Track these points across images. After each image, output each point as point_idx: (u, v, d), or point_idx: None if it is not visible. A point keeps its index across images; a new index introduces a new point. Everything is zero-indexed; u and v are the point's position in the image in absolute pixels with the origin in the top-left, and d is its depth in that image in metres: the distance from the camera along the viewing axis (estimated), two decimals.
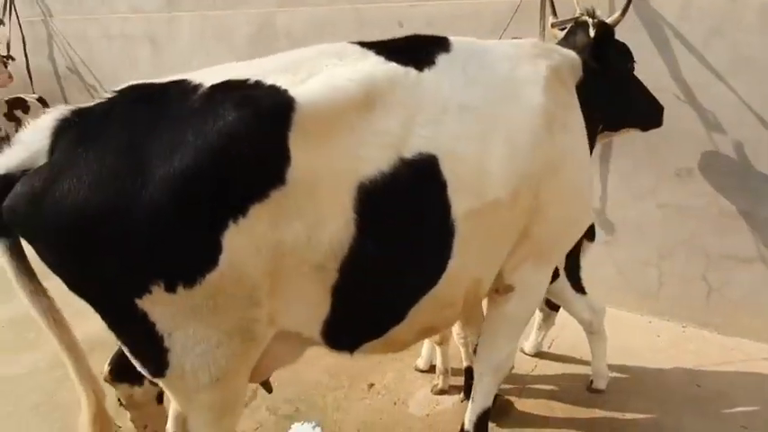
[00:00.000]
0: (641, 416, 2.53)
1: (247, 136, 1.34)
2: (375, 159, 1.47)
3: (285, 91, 1.41)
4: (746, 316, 2.97)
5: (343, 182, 1.44)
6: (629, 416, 2.53)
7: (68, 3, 5.30)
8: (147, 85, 1.45)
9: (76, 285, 1.40)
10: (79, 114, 1.38)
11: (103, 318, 1.45)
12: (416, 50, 1.68)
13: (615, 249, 3.25)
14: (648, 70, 2.84)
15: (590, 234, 2.60)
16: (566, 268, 2.51)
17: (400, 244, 1.53)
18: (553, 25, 2.45)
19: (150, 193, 1.29)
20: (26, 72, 5.62)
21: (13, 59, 5.38)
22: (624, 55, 2.30)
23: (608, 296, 3.25)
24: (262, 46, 4.06)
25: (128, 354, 1.51)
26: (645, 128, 2.48)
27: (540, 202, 1.78)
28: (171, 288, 1.36)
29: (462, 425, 2.24)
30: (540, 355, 2.95)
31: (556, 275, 2.47)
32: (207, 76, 1.44)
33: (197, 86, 1.41)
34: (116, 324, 1.46)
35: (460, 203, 1.59)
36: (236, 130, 1.33)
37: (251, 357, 1.54)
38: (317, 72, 1.48)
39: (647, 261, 3.17)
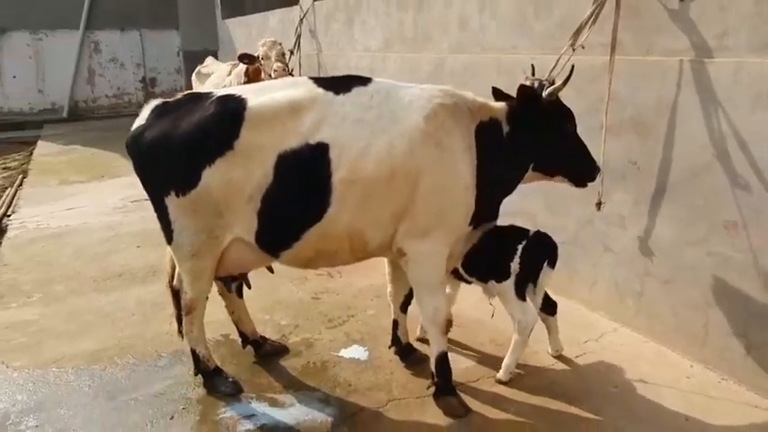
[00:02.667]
0: None
1: (218, 123, 2.68)
2: (290, 141, 2.59)
3: (246, 100, 2.72)
4: None
5: (269, 151, 2.64)
6: None
7: (330, 43, 7.20)
8: (197, 92, 2.97)
9: (144, 186, 2.92)
10: (163, 104, 2.92)
11: (153, 206, 2.94)
12: (342, 83, 2.77)
13: (672, 290, 3.43)
14: (702, 127, 3.12)
15: (552, 261, 3.20)
16: (517, 276, 3.10)
17: (298, 191, 2.62)
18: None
19: (171, 146, 2.74)
20: None
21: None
22: (564, 116, 2.88)
23: (661, 335, 3.49)
24: (435, 80, 5.16)
25: (162, 230, 2.95)
26: (576, 181, 3.02)
27: (417, 193, 2.65)
28: (176, 195, 2.76)
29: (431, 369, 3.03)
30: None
31: (506, 276, 3.12)
32: (221, 92, 2.86)
33: (211, 96, 2.82)
34: (158, 211, 2.92)
35: (339, 174, 2.59)
36: (214, 118, 2.66)
37: (214, 248, 2.90)
38: (271, 93, 2.72)
39: (697, 307, 3.29)
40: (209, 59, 9.68)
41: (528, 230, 3.23)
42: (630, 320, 3.70)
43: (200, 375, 3.24)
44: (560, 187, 3.44)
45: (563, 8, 3.93)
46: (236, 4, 11.32)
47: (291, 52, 7.74)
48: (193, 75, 9.52)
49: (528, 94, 2.84)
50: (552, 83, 2.92)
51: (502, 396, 3.11)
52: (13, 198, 7.68)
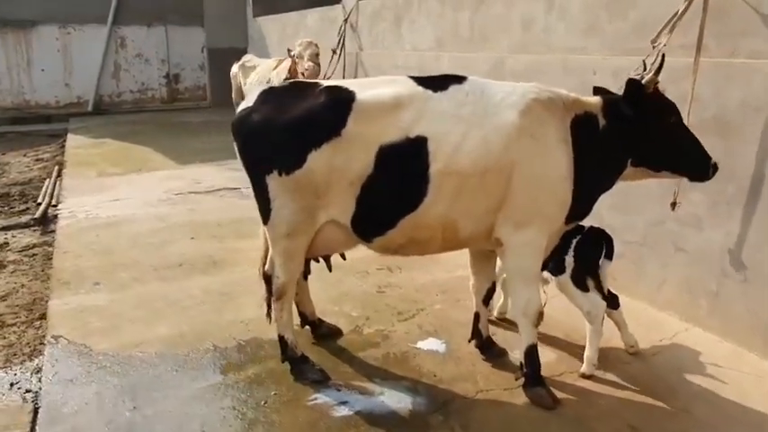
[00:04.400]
0: None
1: (329, 110, 2.79)
2: (391, 134, 2.72)
3: (355, 92, 2.82)
4: None
5: (371, 141, 2.75)
6: None
7: (375, 41, 7.26)
8: (301, 81, 3.12)
9: (246, 165, 2.99)
10: (270, 89, 3.05)
11: (252, 184, 3.02)
12: (439, 81, 2.88)
13: (750, 290, 3.47)
14: None
15: (609, 253, 3.26)
16: (573, 270, 3.17)
17: (396, 181, 2.74)
18: None
19: (280, 127, 2.85)
20: None
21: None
22: (666, 109, 2.91)
23: (738, 335, 3.53)
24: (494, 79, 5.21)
25: (258, 208, 3.04)
26: (690, 176, 3.01)
27: (512, 185, 2.75)
28: (279, 174, 2.84)
29: (520, 360, 3.09)
30: None
31: (561, 270, 3.22)
32: (327, 84, 2.96)
33: (319, 86, 2.92)
34: (255, 189, 3.00)
35: (435, 166, 2.72)
36: (325, 106, 2.78)
37: (310, 228, 2.99)
38: (374, 88, 2.82)
39: None
40: (249, 55, 9.78)
41: (583, 226, 3.30)
42: (703, 320, 3.74)
43: (286, 363, 3.28)
44: (628, 187, 3.51)
45: (638, 11, 3.98)
46: (267, 3, 11.39)
47: (334, 51, 7.80)
48: (235, 68, 9.61)
49: (635, 87, 2.88)
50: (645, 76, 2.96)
51: (588, 390, 3.15)
52: (54, 188, 7.75)
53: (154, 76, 15.26)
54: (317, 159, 2.82)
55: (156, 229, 5.86)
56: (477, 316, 3.45)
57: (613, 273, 3.59)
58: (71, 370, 3.37)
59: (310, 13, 8.96)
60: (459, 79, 2.94)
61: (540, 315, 3.02)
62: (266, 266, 3.28)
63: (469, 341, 3.51)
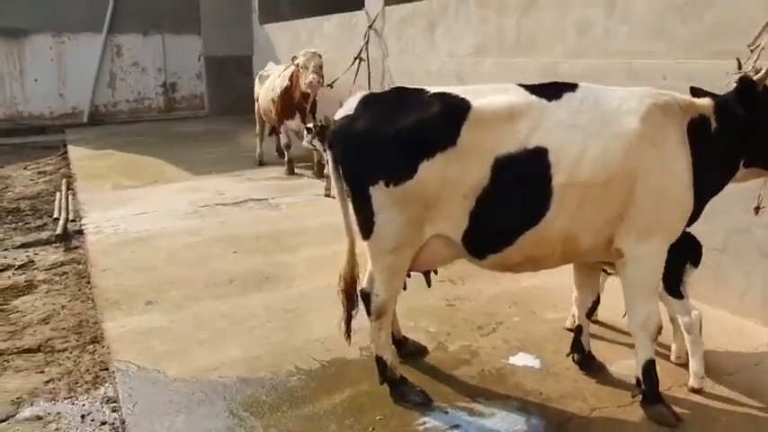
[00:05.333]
0: None
1: (443, 118, 2.63)
2: (508, 145, 2.60)
3: (468, 101, 2.66)
4: None
5: (486, 152, 2.61)
6: None
7: (405, 48, 7.14)
8: (404, 87, 2.89)
9: (346, 175, 2.82)
10: (371, 95, 2.88)
11: (352, 196, 2.86)
12: (551, 89, 2.75)
13: None
14: None
15: (695, 260, 3.14)
16: (664, 279, 3.01)
17: (515, 194, 2.62)
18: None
19: (389, 135, 2.67)
20: None
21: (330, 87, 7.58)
22: None
23: None
24: None
25: (357, 224, 2.90)
26: None
27: (635, 194, 2.63)
28: (387, 184, 2.68)
29: (636, 375, 2.94)
30: None
31: None
32: (437, 89, 2.78)
33: (427, 92, 2.76)
34: (356, 201, 2.83)
35: (558, 178, 2.59)
36: (438, 114, 2.62)
37: (416, 242, 2.83)
38: (486, 96, 2.69)
39: None
40: (270, 64, 9.62)
41: None
42: None
43: (384, 385, 3.10)
44: None
45: (714, 14, 3.91)
46: (274, 10, 11.21)
47: (360, 59, 7.65)
48: (257, 79, 9.49)
49: (748, 85, 2.79)
50: (757, 71, 2.87)
51: (703, 405, 3.04)
52: (67, 203, 7.44)
53: (150, 85, 14.93)
54: (430, 170, 2.67)
55: (192, 243, 5.62)
56: (579, 329, 3.32)
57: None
58: (150, 399, 3.14)
59: (327, 20, 8.80)
60: (571, 86, 2.83)
61: (659, 329, 2.90)
62: (364, 284, 3.10)
63: (568, 355, 3.38)
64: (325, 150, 7.05)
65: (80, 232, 6.39)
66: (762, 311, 3.83)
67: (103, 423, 3.11)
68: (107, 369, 3.68)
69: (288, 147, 8.39)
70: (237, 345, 3.69)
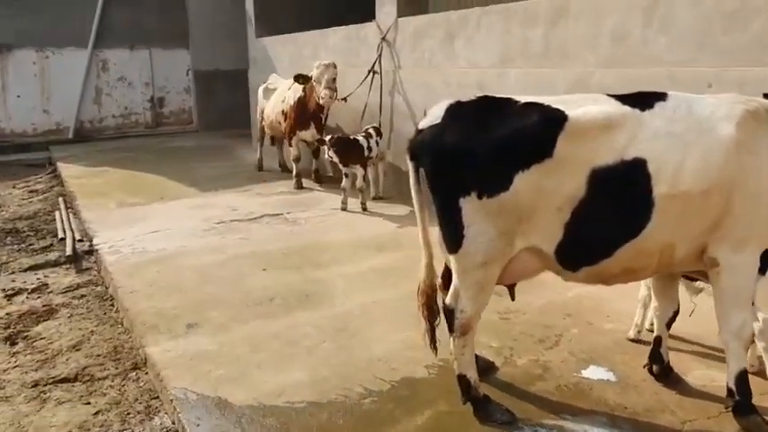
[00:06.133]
0: None
1: (539, 129, 2.57)
2: (604, 156, 2.57)
3: (564, 111, 2.61)
4: None
5: (582, 163, 2.57)
6: None
7: (420, 59, 7.09)
8: (492, 96, 2.81)
9: (434, 187, 2.75)
10: (458, 103, 2.77)
11: (438, 209, 2.77)
12: (643, 99, 2.72)
13: None
14: None
15: (763, 267, 2.96)
16: None
17: (614, 207, 2.59)
18: None
19: (483, 146, 2.61)
20: (378, 108, 7.61)
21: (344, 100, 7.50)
22: None
23: None
24: None
25: (442, 236, 2.82)
26: None
27: (731, 203, 2.60)
28: (480, 196, 2.61)
29: (727, 385, 2.89)
30: None
31: None
32: (530, 99, 2.73)
33: (517, 102, 2.71)
34: (444, 214, 2.75)
35: (659, 189, 2.57)
36: (535, 124, 2.56)
37: (506, 256, 2.76)
38: (582, 106, 2.64)
39: None
40: (273, 76, 9.51)
41: None
42: None
43: (467, 404, 2.99)
44: None
45: (760, 22, 3.96)
46: (269, 24, 11.09)
47: (375, 71, 7.58)
48: (260, 90, 9.35)
49: None
50: None
51: None
52: (69, 222, 7.16)
53: (137, 100, 14.64)
54: (525, 181, 2.60)
55: (218, 261, 5.43)
56: (658, 340, 3.27)
57: None
58: (221, 428, 2.97)
59: (334, 32, 8.71)
60: (661, 95, 2.79)
61: (752, 338, 2.87)
62: (448, 299, 3.00)
63: (645, 366, 3.32)
64: (341, 164, 6.98)
65: (90, 252, 6.15)
66: None
67: None
68: (157, 397, 3.50)
69: (297, 160, 8.25)
70: (299, 367, 3.53)
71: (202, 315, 4.28)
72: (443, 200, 2.76)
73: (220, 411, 3.11)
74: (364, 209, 7.01)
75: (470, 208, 2.68)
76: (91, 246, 6.20)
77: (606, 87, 4.90)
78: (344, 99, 7.49)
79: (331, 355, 3.68)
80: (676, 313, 3.23)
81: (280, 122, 8.35)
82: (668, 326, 3.26)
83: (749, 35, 4.04)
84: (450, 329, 2.96)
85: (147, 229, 6.49)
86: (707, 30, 4.26)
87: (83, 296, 5.15)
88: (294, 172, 8.33)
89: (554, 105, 2.69)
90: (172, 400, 3.24)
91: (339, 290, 4.72)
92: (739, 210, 2.68)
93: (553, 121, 2.63)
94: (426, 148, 2.77)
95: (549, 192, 2.62)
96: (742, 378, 2.86)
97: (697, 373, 3.35)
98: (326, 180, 8.57)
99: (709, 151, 2.64)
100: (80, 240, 6.51)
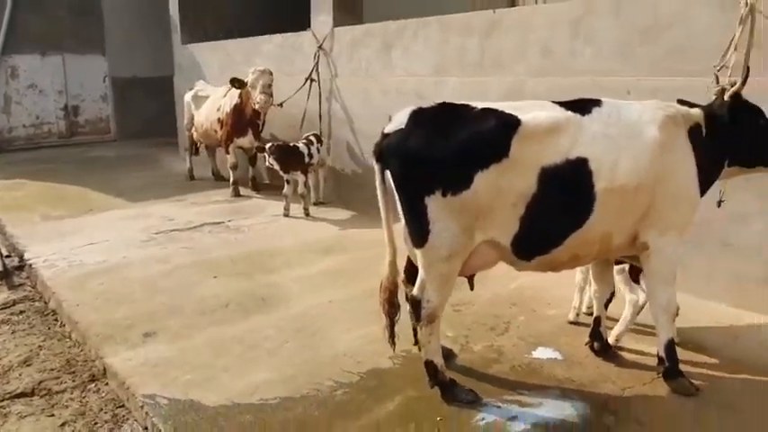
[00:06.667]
0: None
1: (496, 132, 2.87)
2: (552, 156, 2.90)
3: (517, 116, 2.91)
4: None
5: (533, 163, 2.88)
6: None
7: (357, 68, 7.29)
8: (451, 103, 3.06)
9: (401, 187, 2.96)
10: (420, 110, 3.01)
11: (405, 208, 2.99)
12: (582, 105, 3.09)
13: None
14: None
15: None
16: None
17: (561, 201, 2.92)
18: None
19: (446, 148, 2.86)
20: (318, 116, 7.73)
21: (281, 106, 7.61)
22: (756, 112, 3.33)
23: None
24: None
25: (408, 232, 3.04)
26: None
27: (656, 195, 3.03)
28: (444, 194, 2.86)
29: (658, 353, 3.32)
30: None
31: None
32: (480, 105, 3.00)
33: (475, 108, 2.97)
34: (410, 212, 2.98)
35: (599, 185, 2.93)
36: (491, 128, 2.85)
37: (468, 249, 3.01)
38: (530, 111, 2.95)
39: None
40: (201, 83, 9.37)
41: None
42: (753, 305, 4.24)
43: (435, 388, 3.21)
44: None
45: (670, 36, 4.49)
46: (196, 30, 10.92)
47: (312, 79, 7.70)
48: (188, 97, 9.19)
49: (737, 97, 3.27)
50: (732, 85, 3.37)
51: (709, 374, 3.44)
52: None
53: (50, 108, 13.86)
54: (484, 180, 2.86)
55: (164, 271, 5.35)
56: (598, 320, 3.63)
57: None
58: (199, 427, 3.01)
59: (268, 40, 8.73)
60: (596, 102, 3.15)
61: (677, 311, 3.28)
62: (414, 291, 3.20)
63: (586, 344, 3.69)
64: (282, 171, 7.03)
65: (21, 268, 5.85)
66: (727, 293, 4.39)
67: None
68: (123, 406, 3.46)
69: (235, 167, 8.20)
70: (265, 368, 3.61)
71: (158, 324, 4.24)
72: (410, 199, 2.97)
73: (195, 412, 3.14)
74: (307, 214, 7.10)
75: (435, 206, 2.90)
76: (21, 261, 5.89)
77: (538, 95, 5.33)
78: (280, 105, 7.56)
79: (295, 354, 3.78)
80: (613, 295, 3.62)
81: (216, 130, 8.26)
82: (606, 306, 3.64)
83: (662, 48, 4.56)
84: (418, 319, 3.17)
85: (81, 241, 6.25)
86: (626, 42, 4.76)
87: (21, 312, 4.91)
88: (231, 180, 8.26)
89: (510, 111, 2.98)
90: (142, 406, 3.22)
91: (293, 292, 4.81)
92: (663, 201, 3.09)
93: (508, 124, 2.91)
94: (393, 151, 2.97)
95: (505, 189, 2.90)
96: (670, 346, 3.28)
97: (631, 347, 3.75)
98: (264, 187, 8.58)
99: (639, 152, 3.04)
100: (8, 256, 6.17)
